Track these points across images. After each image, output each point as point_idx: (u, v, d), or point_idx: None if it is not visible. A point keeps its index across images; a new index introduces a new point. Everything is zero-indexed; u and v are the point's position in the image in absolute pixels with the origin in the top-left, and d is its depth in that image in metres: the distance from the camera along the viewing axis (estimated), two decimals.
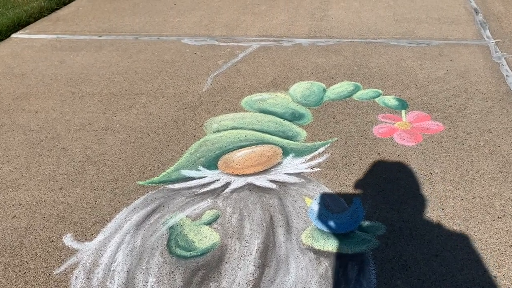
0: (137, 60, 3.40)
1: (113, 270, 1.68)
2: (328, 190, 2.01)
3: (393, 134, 2.36)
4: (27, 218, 1.95)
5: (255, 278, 1.62)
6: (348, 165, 2.15)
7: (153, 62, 3.34)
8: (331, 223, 1.82)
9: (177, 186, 2.09)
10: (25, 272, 1.69)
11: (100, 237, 1.84)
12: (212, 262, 1.69)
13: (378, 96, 2.71)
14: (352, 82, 2.89)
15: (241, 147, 2.33)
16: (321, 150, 2.27)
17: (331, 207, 1.91)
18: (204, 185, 2.09)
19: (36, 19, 4.35)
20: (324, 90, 2.82)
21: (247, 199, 1.98)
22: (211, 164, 2.21)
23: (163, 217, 1.91)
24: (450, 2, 4.19)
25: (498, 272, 1.59)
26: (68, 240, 1.83)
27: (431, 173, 2.07)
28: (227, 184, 2.08)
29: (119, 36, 3.86)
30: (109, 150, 2.37)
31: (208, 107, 2.71)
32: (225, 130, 2.48)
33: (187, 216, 1.91)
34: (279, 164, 2.19)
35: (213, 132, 2.47)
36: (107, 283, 1.63)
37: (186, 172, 2.17)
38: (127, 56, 3.47)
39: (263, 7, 4.36)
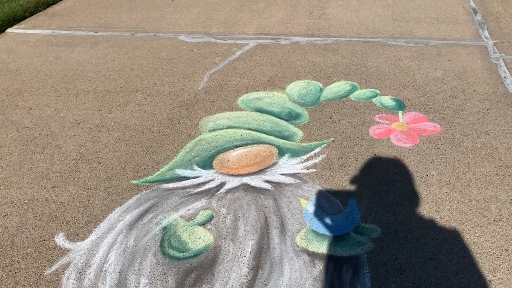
0: (133, 56, 3.37)
1: (105, 270, 1.66)
2: (323, 191, 1.99)
3: (390, 135, 2.34)
4: (19, 217, 1.93)
5: (249, 280, 1.60)
6: (344, 166, 2.14)
7: (149, 59, 3.31)
8: (326, 225, 1.81)
9: (171, 185, 2.07)
10: (15, 272, 1.67)
11: (92, 236, 1.82)
12: (205, 263, 1.68)
13: (375, 96, 2.70)
14: (349, 82, 2.87)
15: (237, 146, 2.31)
16: (317, 150, 2.25)
17: (326, 208, 1.89)
18: (198, 185, 2.07)
19: (31, 14, 4.30)
20: (321, 90, 2.80)
21: (242, 200, 1.96)
22: (206, 164, 2.19)
23: (157, 217, 1.89)
24: (448, 2, 4.17)
25: (494, 276, 1.58)
26: (60, 239, 1.81)
27: (427, 175, 2.06)
28: (222, 184, 2.06)
29: (115, 32, 3.82)
30: (103, 148, 2.35)
31: (204, 106, 2.68)
32: (220, 129, 2.46)
33: (181, 217, 1.89)
34: (274, 164, 2.17)
35: (209, 131, 2.45)
36: (99, 284, 1.61)
37: (181, 172, 2.15)
38: (123, 52, 3.44)
39: (261, 4, 4.33)
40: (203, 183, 2.07)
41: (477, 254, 1.66)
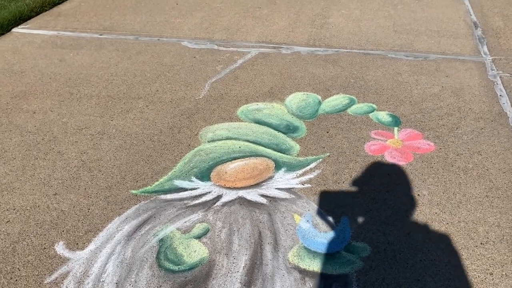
0: (136, 61, 3.42)
1: (103, 281, 1.72)
2: (317, 207, 2.05)
3: (385, 152, 2.39)
4: (20, 224, 1.99)
5: None
6: (339, 183, 2.19)
7: (152, 65, 3.36)
8: (318, 242, 1.87)
9: (169, 196, 2.13)
10: (16, 280, 1.73)
11: (91, 246, 1.88)
12: (199, 277, 1.74)
13: (372, 111, 2.75)
14: (348, 96, 2.92)
15: (235, 158, 2.37)
16: (312, 165, 2.31)
17: (319, 225, 1.95)
18: (196, 197, 2.12)
19: (37, 13, 4.35)
20: (320, 103, 2.85)
21: (237, 214, 2.02)
22: (204, 175, 2.25)
23: (154, 228, 1.95)
24: (450, 14, 4.21)
25: None
26: (60, 248, 1.87)
27: (418, 195, 2.11)
28: (218, 197, 2.12)
29: (119, 35, 3.87)
30: (104, 156, 2.40)
31: (204, 115, 2.74)
32: (219, 139, 2.51)
33: (177, 229, 1.95)
34: (270, 178, 2.23)
35: (208, 141, 2.50)
36: None
37: (179, 183, 2.21)
38: (127, 57, 3.49)
39: (265, 11, 4.37)
40: (200, 195, 2.13)
41: (462, 277, 1.71)
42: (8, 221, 2.00)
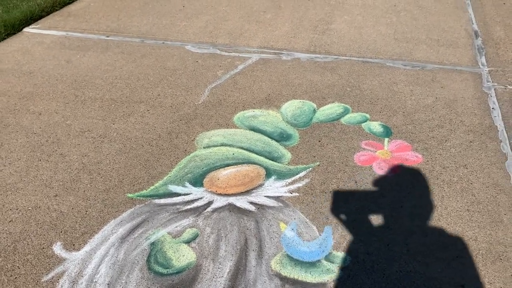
0: (140, 65, 3.53)
1: (95, 281, 1.84)
2: (302, 216, 2.14)
3: (373, 163, 2.47)
4: (22, 224, 2.11)
5: None
6: (325, 192, 2.28)
7: (156, 69, 3.47)
8: (300, 251, 1.96)
9: (163, 201, 2.24)
10: (16, 277, 1.86)
11: (87, 247, 1.99)
12: (186, 281, 1.84)
13: (365, 121, 2.82)
14: (342, 105, 3.00)
15: (228, 165, 2.47)
16: (302, 174, 2.40)
17: (303, 234, 2.05)
18: (188, 202, 2.23)
19: (48, 13, 4.48)
20: (315, 111, 2.93)
21: (226, 220, 2.12)
22: (197, 181, 2.35)
23: (146, 232, 2.06)
24: (452, 23, 4.25)
25: None
26: (57, 248, 1.99)
27: (401, 207, 2.19)
28: (209, 203, 2.22)
29: (126, 37, 3.98)
30: (104, 160, 2.52)
31: (202, 121, 2.84)
32: (214, 146, 2.61)
33: (168, 233, 2.06)
34: (260, 186, 2.32)
35: (203, 147, 2.60)
36: None
37: (173, 188, 2.31)
38: (132, 60, 3.60)
39: (268, 15, 4.45)
40: (192, 201, 2.24)
41: None
42: (11, 221, 2.13)
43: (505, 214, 2.14)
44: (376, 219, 2.12)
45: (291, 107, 2.97)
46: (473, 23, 4.24)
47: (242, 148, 2.59)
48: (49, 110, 2.97)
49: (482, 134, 2.71)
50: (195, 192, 2.29)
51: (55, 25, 4.25)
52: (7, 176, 2.40)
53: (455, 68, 3.46)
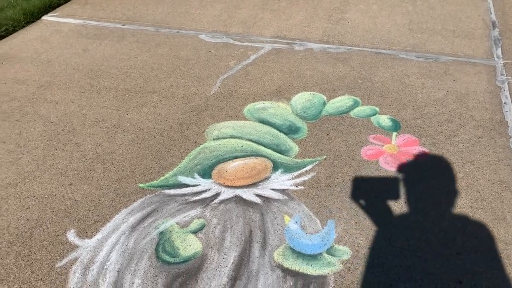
0: (154, 54, 3.59)
1: (106, 268, 1.94)
2: (307, 209, 2.19)
3: (379, 157, 2.50)
4: (38, 211, 2.22)
5: None
6: (331, 186, 2.32)
7: (169, 58, 3.53)
8: (303, 244, 2.02)
9: (172, 192, 2.31)
10: (32, 262, 1.97)
11: (99, 235, 2.09)
12: (191, 270, 1.92)
13: (374, 114, 2.84)
14: (352, 97, 3.01)
15: (236, 157, 2.53)
16: (308, 167, 2.44)
17: (306, 227, 2.10)
18: (196, 194, 2.30)
19: (66, 1, 4.56)
20: (324, 103, 2.96)
21: (232, 212, 2.19)
22: (206, 173, 2.42)
23: (156, 221, 2.15)
24: (469, 12, 4.18)
25: None
26: (71, 235, 2.09)
27: (405, 202, 2.23)
28: (216, 195, 2.29)
29: (141, 26, 4.04)
30: (118, 150, 2.61)
31: (213, 112, 2.89)
32: (224, 138, 2.67)
33: (176, 223, 2.14)
34: (267, 178, 2.38)
35: (213, 139, 2.66)
36: (99, 281, 1.89)
37: (183, 179, 2.39)
38: (146, 49, 3.66)
39: (283, 4, 4.44)
40: (201, 192, 2.31)
41: (432, 285, 1.84)
42: (28, 208, 2.24)
43: (508, 212, 2.16)
44: (378, 214, 2.16)
45: (301, 99, 3.00)
46: (491, 13, 4.17)
47: (250, 140, 2.65)
48: (66, 99, 3.06)
49: (492, 129, 2.70)
50: (204, 183, 2.36)
51: (72, 13, 4.32)
52: (25, 164, 2.51)
53: (469, 60, 3.43)
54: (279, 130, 2.72)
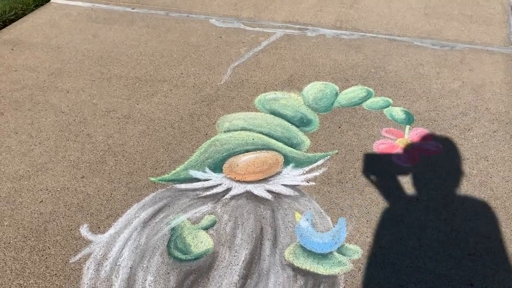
0: (164, 40, 3.55)
1: (119, 265, 1.96)
2: (318, 206, 2.19)
3: (392, 152, 2.47)
4: (52, 205, 2.24)
5: None
6: (342, 182, 2.31)
7: (179, 45, 3.48)
8: (313, 242, 2.03)
9: (183, 186, 2.32)
10: (46, 257, 2.00)
11: (111, 230, 2.11)
12: (203, 267, 1.94)
13: (388, 106, 2.80)
14: (365, 88, 2.96)
15: (247, 151, 2.52)
16: (320, 162, 2.43)
17: (317, 225, 2.10)
18: (207, 188, 2.31)
19: None
20: (337, 94, 2.92)
21: (243, 208, 2.20)
22: (217, 167, 2.42)
23: (167, 217, 2.16)
24: None
25: None
26: (84, 230, 2.11)
27: (417, 199, 2.21)
28: (228, 190, 2.29)
29: (151, 10, 3.98)
30: (129, 141, 2.61)
31: (224, 103, 2.87)
32: (235, 130, 2.65)
33: (188, 219, 2.15)
34: (278, 173, 2.37)
35: (224, 131, 2.65)
36: (113, 277, 1.91)
37: (194, 173, 2.39)
38: (156, 34, 3.62)
39: None
40: (212, 187, 2.31)
41: (443, 287, 1.84)
42: (41, 201, 2.26)
43: None
44: (390, 212, 2.15)
45: (313, 89, 2.96)
46: None
47: (262, 133, 2.63)
48: (76, 87, 3.05)
49: (507, 123, 2.65)
50: (215, 178, 2.36)
51: None
52: (38, 155, 2.52)
53: (486, 48, 3.34)
54: (291, 123, 2.70)
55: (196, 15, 3.89)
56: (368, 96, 2.89)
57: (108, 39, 3.57)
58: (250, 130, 2.65)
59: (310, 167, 2.41)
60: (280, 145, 2.55)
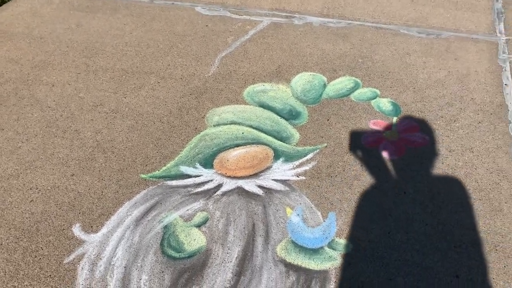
0: (150, 29, 3.49)
1: (113, 264, 1.98)
2: (308, 201, 2.23)
3: (380, 145, 2.51)
4: (42, 204, 2.24)
5: (231, 285, 1.90)
6: (331, 176, 2.35)
7: (165, 34, 3.44)
8: (304, 237, 2.07)
9: (174, 183, 2.33)
10: (40, 258, 2.01)
11: (104, 229, 2.12)
12: (197, 265, 1.98)
13: (375, 97, 2.82)
14: (353, 78, 2.98)
15: (237, 145, 2.53)
16: (309, 156, 2.46)
17: (308, 220, 2.14)
18: (199, 185, 2.32)
19: None
20: (325, 85, 2.93)
21: (235, 204, 2.22)
22: (207, 162, 2.43)
23: (159, 215, 2.18)
24: None
25: None
26: (76, 230, 2.12)
27: (404, 193, 2.26)
28: (219, 186, 2.31)
29: None
30: (117, 137, 2.59)
31: (212, 95, 2.86)
32: (224, 124, 2.66)
33: (180, 216, 2.17)
34: (268, 168, 2.40)
35: (213, 125, 2.65)
36: (107, 277, 1.94)
37: (184, 169, 2.40)
38: (141, 23, 3.56)
39: None
40: (203, 183, 2.33)
41: (430, 279, 1.91)
42: (32, 201, 2.26)
43: (505, 203, 2.20)
44: (379, 206, 2.20)
45: (301, 80, 2.97)
46: None
47: (251, 126, 2.64)
48: (62, 81, 3.00)
49: (492, 113, 2.70)
50: (206, 174, 2.37)
51: None
52: (26, 153, 2.50)
53: (471, 36, 3.37)
54: (280, 115, 2.71)
55: (181, 2, 3.83)
56: (356, 87, 2.91)
57: (92, 29, 3.51)
58: (239, 123, 2.66)
59: (300, 161, 2.43)
60: (270, 139, 2.56)
